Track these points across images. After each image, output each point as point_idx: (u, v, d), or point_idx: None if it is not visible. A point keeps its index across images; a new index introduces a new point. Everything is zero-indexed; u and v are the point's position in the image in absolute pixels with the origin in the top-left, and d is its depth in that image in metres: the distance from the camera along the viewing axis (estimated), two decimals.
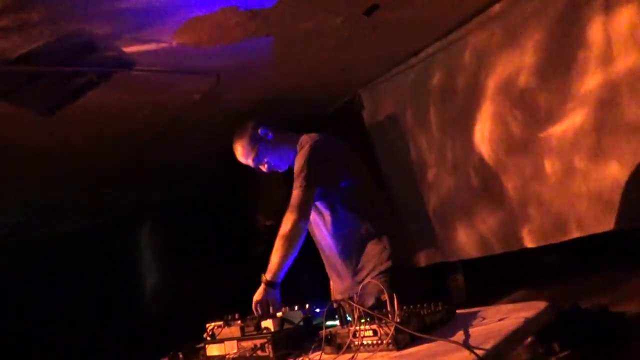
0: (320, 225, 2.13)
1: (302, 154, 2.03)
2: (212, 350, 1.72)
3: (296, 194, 1.96)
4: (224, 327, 1.76)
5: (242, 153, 2.18)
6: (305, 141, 2.08)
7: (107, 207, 6.40)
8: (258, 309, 1.89)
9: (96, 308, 6.68)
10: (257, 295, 1.92)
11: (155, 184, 5.91)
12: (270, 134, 2.17)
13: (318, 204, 2.07)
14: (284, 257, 1.93)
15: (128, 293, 7.31)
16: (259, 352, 1.54)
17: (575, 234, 3.14)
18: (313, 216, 2.11)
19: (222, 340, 1.70)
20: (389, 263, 1.97)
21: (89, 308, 6.62)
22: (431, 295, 1.61)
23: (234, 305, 1.98)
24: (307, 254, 2.07)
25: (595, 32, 2.88)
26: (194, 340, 1.86)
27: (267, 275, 1.93)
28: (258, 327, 1.65)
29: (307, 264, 2.12)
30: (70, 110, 3.24)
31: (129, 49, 2.74)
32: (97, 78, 3.01)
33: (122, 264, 7.45)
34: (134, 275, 7.64)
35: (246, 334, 1.67)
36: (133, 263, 7.72)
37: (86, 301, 6.62)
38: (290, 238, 1.92)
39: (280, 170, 2.24)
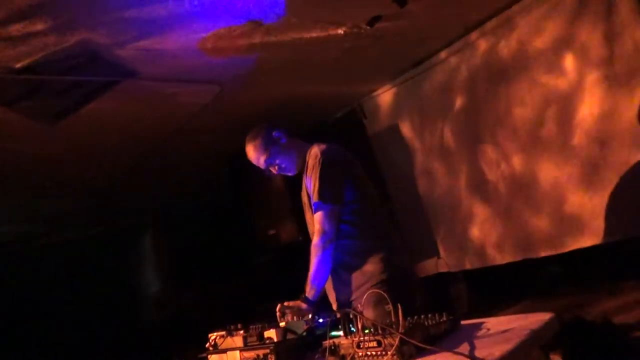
0: (311, 217, 2.15)
1: (316, 169, 2.06)
2: None
3: (322, 215, 2.01)
4: (226, 337, 1.75)
5: (255, 152, 2.22)
6: (315, 152, 2.11)
7: (109, 216, 6.39)
8: (286, 313, 1.93)
9: (97, 317, 6.64)
10: (292, 303, 1.97)
11: (157, 193, 5.91)
12: (283, 137, 2.24)
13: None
14: (319, 278, 2.02)
15: (129, 302, 7.28)
16: None
17: (580, 244, 3.14)
18: (306, 206, 2.17)
19: (224, 351, 1.69)
20: (385, 275, 1.97)
21: (90, 317, 6.58)
22: (433, 305, 1.60)
23: (237, 315, 1.97)
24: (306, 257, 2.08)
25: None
26: (196, 350, 1.85)
27: (309, 296, 2.00)
28: (261, 338, 1.64)
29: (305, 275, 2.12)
30: (74, 119, 3.26)
31: (132, 59, 2.75)
32: (101, 87, 3.03)
33: (123, 273, 7.42)
34: (135, 284, 7.60)
35: (249, 344, 1.66)
36: (134, 272, 7.69)
37: (87, 310, 6.58)
38: (325, 260, 2.01)
39: (289, 174, 2.28)
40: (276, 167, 2.24)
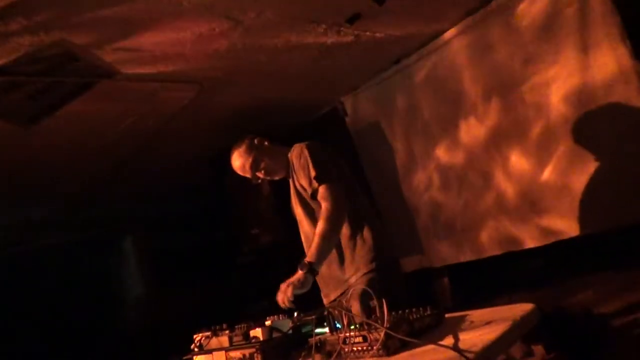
0: (305, 226, 2.16)
1: (304, 154, 2.07)
2: None
3: (329, 187, 1.98)
4: (211, 337, 1.73)
5: (240, 159, 2.24)
6: (298, 146, 2.14)
7: (89, 220, 6.30)
8: (288, 296, 1.83)
9: (78, 323, 6.54)
10: (291, 279, 1.87)
11: (138, 196, 5.84)
12: (265, 142, 2.27)
13: (310, 202, 2.11)
14: (329, 246, 1.95)
15: (112, 307, 7.18)
16: None
17: (560, 237, 3.20)
18: (301, 216, 2.16)
19: (210, 351, 1.68)
20: (374, 264, 1.98)
21: (71, 322, 6.48)
22: (417, 300, 1.61)
23: (221, 317, 1.94)
24: (295, 260, 2.05)
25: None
26: (180, 353, 1.83)
27: (312, 259, 1.88)
28: (247, 337, 1.64)
29: (291, 269, 2.11)
30: (51, 122, 3.20)
31: (110, 59, 2.71)
32: (78, 88, 2.98)
33: (105, 278, 7.32)
34: (117, 289, 7.51)
35: (234, 343, 1.65)
36: (116, 277, 7.59)
37: (69, 316, 6.48)
38: (338, 228, 1.96)
39: (275, 177, 2.29)
40: (262, 172, 2.25)
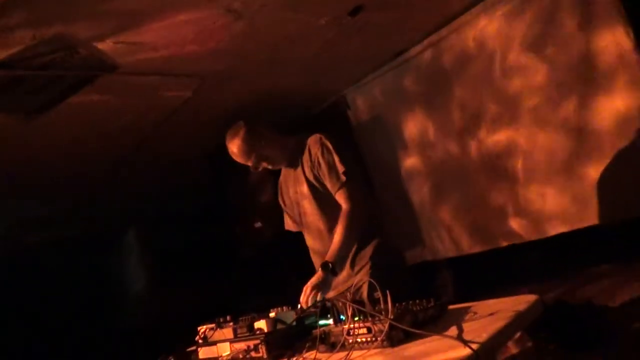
0: (315, 221, 2.13)
1: (326, 146, 2.04)
2: (205, 352, 1.71)
3: (352, 187, 1.98)
4: (216, 329, 1.74)
5: (240, 148, 2.11)
6: (317, 138, 2.10)
7: (90, 217, 6.29)
8: (309, 297, 1.80)
9: (79, 319, 6.57)
10: (315, 281, 1.85)
11: (139, 191, 5.83)
12: (266, 129, 2.17)
13: (324, 194, 2.07)
14: (349, 247, 1.96)
15: (114, 303, 7.20)
16: (253, 354, 1.53)
17: (559, 230, 3.20)
18: (310, 209, 2.12)
19: (214, 343, 1.69)
20: (381, 259, 1.98)
21: (72, 318, 6.50)
22: (419, 293, 1.62)
23: (224, 311, 1.93)
24: (296, 253, 2.06)
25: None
26: (182, 347, 1.84)
27: (333, 259, 1.88)
28: (251, 329, 1.64)
29: (296, 264, 2.12)
30: (51, 116, 3.19)
31: (111, 52, 2.70)
32: (79, 82, 2.97)
33: (107, 274, 7.34)
34: (119, 285, 7.53)
35: (239, 335, 1.66)
36: (118, 273, 7.61)
37: (69, 312, 6.50)
38: (358, 228, 1.96)
39: (277, 166, 2.23)
40: (264, 161, 2.16)
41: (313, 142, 2.10)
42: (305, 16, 2.89)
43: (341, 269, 1.98)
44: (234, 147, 2.13)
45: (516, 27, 3.21)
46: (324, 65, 3.71)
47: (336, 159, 2.01)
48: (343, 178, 1.98)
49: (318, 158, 2.05)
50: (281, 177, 2.33)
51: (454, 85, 3.63)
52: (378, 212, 2.19)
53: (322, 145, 2.06)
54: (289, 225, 2.32)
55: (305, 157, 2.11)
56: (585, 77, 2.94)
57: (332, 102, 4.51)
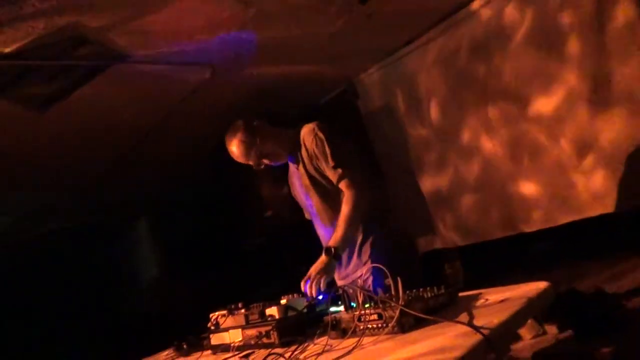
0: (323, 210, 2.11)
1: (319, 136, 2.00)
2: (217, 339, 1.73)
3: (351, 173, 1.95)
4: (227, 316, 1.76)
5: (241, 147, 2.06)
6: (310, 127, 2.05)
7: (102, 205, 6.36)
8: (314, 284, 1.77)
9: (92, 305, 6.66)
10: (319, 266, 1.82)
11: (149, 181, 5.87)
12: (265, 125, 2.12)
13: (327, 186, 2.05)
14: (353, 232, 1.94)
15: (124, 292, 7.30)
16: (264, 340, 1.54)
17: (570, 218, 3.18)
18: (316, 200, 2.11)
19: (226, 329, 1.71)
20: (391, 248, 1.99)
21: (85, 306, 6.60)
22: (429, 282, 1.62)
23: (234, 299, 1.94)
24: (305, 243, 2.06)
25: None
26: (193, 334, 1.85)
27: (337, 244, 1.85)
28: (262, 315, 1.66)
29: (305, 253, 2.12)
30: (63, 106, 3.22)
31: (122, 42, 2.71)
32: (91, 72, 2.99)
33: (117, 264, 7.43)
34: (129, 274, 7.61)
35: (250, 322, 1.68)
36: (128, 262, 7.69)
37: (82, 299, 6.60)
38: (362, 214, 1.93)
39: (280, 162, 2.19)
40: (264, 158, 2.11)
41: (306, 133, 2.05)
42: (315, 4, 2.88)
43: (346, 253, 1.97)
44: (233, 146, 2.09)
45: (528, 11, 3.16)
46: (333, 53, 3.69)
47: (329, 149, 1.97)
48: (340, 170, 1.96)
49: (314, 150, 2.02)
50: (289, 172, 2.32)
51: (468, 72, 3.58)
52: (385, 199, 2.16)
53: (315, 136, 2.01)
54: (307, 215, 2.32)
55: (303, 151, 2.08)
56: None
57: (341, 90, 4.49)
